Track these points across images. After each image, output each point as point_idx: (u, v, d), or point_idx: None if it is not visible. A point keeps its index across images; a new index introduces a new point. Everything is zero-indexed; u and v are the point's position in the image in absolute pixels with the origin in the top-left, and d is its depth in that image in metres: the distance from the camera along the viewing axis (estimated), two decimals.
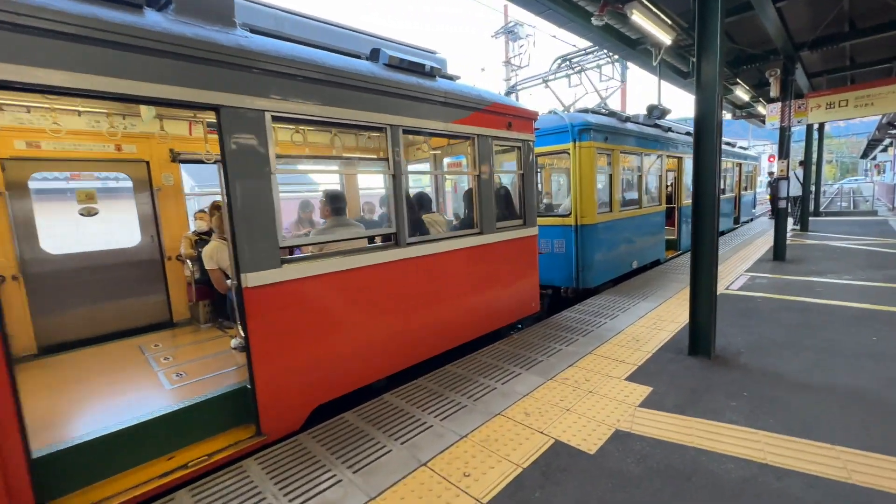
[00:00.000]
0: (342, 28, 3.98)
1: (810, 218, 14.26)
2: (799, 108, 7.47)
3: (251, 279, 2.73)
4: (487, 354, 4.20)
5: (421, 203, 4.50)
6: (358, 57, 3.71)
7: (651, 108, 7.66)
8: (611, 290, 6.49)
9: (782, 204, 7.78)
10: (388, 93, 3.52)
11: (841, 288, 5.89)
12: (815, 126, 15.75)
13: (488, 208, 4.50)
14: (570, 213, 6.30)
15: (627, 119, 7.31)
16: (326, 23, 3.96)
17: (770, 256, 8.18)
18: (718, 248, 3.87)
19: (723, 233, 13.03)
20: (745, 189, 15.62)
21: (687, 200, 9.76)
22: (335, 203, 3.61)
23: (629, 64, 11.70)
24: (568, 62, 9.47)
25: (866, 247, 8.91)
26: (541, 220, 6.71)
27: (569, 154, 6.21)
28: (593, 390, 3.30)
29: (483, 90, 4.54)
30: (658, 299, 5.81)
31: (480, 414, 3.05)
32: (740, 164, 14.79)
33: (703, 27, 3.65)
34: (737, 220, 14.96)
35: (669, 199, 10.19)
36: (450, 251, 4.12)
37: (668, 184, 13.16)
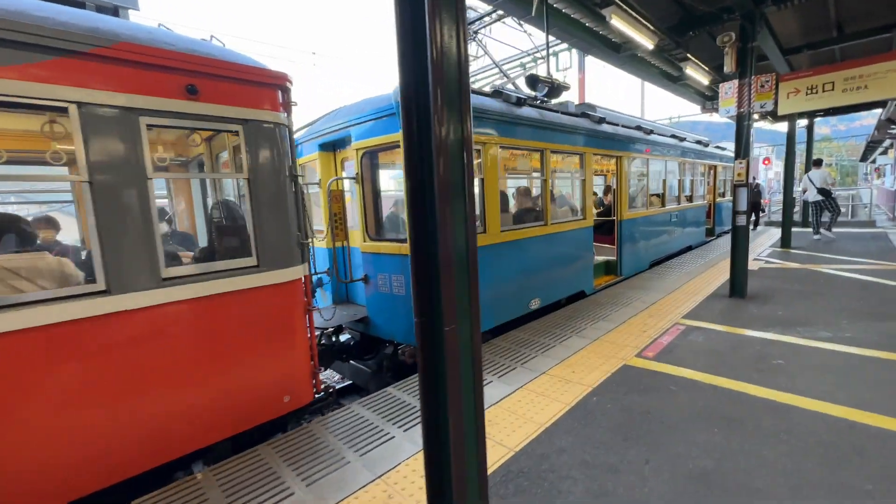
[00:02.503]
0: None
1: (798, 230, 12.12)
2: (762, 87, 5.37)
3: None
4: None
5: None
6: None
7: (533, 81, 5.51)
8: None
9: (740, 220, 5.65)
10: None
11: (813, 360, 3.75)
12: (804, 123, 13.68)
13: (126, 244, 2.39)
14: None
15: (521, 101, 5.18)
16: None
17: (728, 290, 6.05)
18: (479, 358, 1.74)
19: (691, 248, 10.91)
20: (723, 195, 13.49)
21: (630, 212, 7.66)
22: None
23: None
24: (474, 33, 7.35)
25: (860, 275, 6.78)
26: (375, 247, 4.61)
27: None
28: None
29: (110, 18, 2.42)
30: (528, 373, 3.68)
31: None
32: (715, 167, 12.68)
33: None
34: (711, 232, 12.84)
35: (609, 211, 8.10)
36: None
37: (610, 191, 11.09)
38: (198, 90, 2.58)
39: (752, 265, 7.97)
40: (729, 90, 5.55)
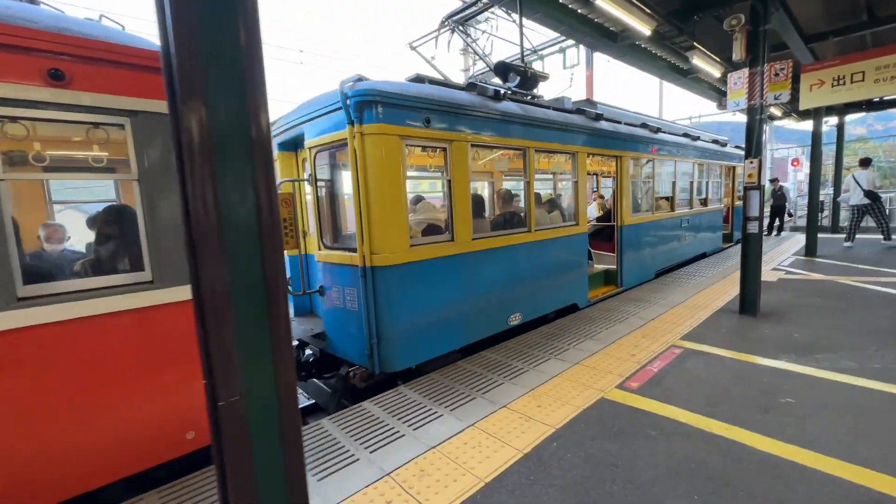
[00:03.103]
0: None
1: (827, 236, 11.11)
2: (776, 75, 4.71)
3: None
4: None
5: None
6: None
7: (503, 70, 4.94)
8: (430, 378, 3.85)
9: (751, 227, 4.99)
10: None
11: (832, 399, 3.11)
12: (834, 121, 12.71)
13: None
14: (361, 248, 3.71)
15: (500, 95, 4.66)
16: None
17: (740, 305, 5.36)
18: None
19: (706, 255, 10.14)
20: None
21: (632, 216, 7.03)
22: None
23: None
24: (460, 26, 6.82)
25: (893, 289, 5.98)
26: (328, 256, 4.18)
27: (354, 147, 3.62)
28: None
29: None
30: (487, 405, 3.16)
31: None
32: (734, 169, 11.85)
33: None
34: (730, 238, 11.99)
35: (609, 216, 7.48)
36: None
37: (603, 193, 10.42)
38: (65, 76, 2.18)
39: (771, 276, 7.23)
40: (738, 80, 4.91)
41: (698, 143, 9.52)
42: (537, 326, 5.28)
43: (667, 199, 8.52)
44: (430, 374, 3.90)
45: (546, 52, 13.84)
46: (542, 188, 10.16)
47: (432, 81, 4.44)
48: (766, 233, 13.10)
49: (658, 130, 7.86)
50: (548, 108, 5.49)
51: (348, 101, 3.49)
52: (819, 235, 10.67)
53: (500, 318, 4.71)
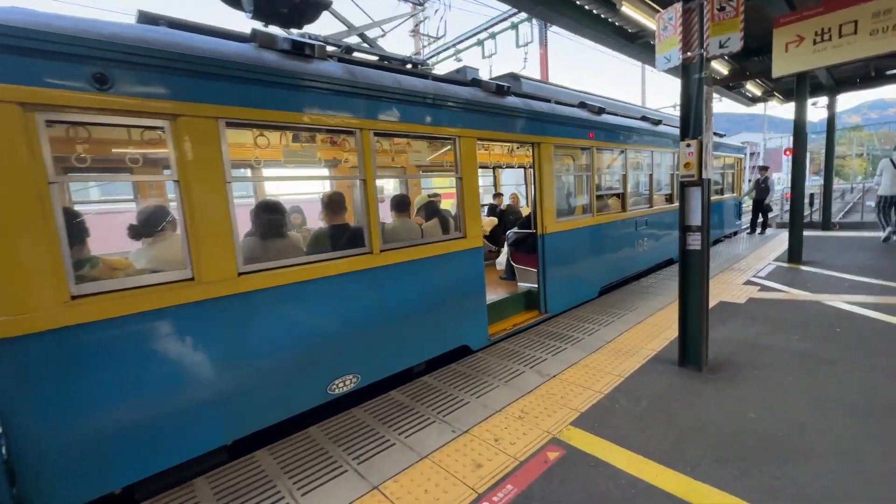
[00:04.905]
0: None
1: (817, 234, 9.51)
2: (721, 10, 3.09)
3: None
4: None
5: None
6: None
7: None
8: None
9: (691, 242, 3.38)
10: None
11: None
12: (823, 102, 11.15)
13: None
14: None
15: (302, 51, 3.04)
16: None
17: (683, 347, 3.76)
18: None
19: (672, 261, 8.56)
20: (721, 192, 10.95)
21: (560, 221, 5.43)
22: None
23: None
24: None
25: (894, 314, 4.41)
26: None
27: None
28: None
29: None
30: None
31: None
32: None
33: None
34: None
35: (528, 222, 5.88)
36: None
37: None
38: None
39: (740, 294, 5.65)
40: (669, 23, 3.29)
41: (661, 128, 7.93)
42: (398, 385, 3.71)
43: (617, 196, 6.93)
44: None
45: (497, 30, 12.19)
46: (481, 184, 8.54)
47: (174, 24, 2.81)
48: (748, 231, 11.52)
49: (601, 111, 6.27)
50: (410, 74, 3.89)
51: None
52: (808, 233, 9.11)
53: (313, 388, 3.12)
